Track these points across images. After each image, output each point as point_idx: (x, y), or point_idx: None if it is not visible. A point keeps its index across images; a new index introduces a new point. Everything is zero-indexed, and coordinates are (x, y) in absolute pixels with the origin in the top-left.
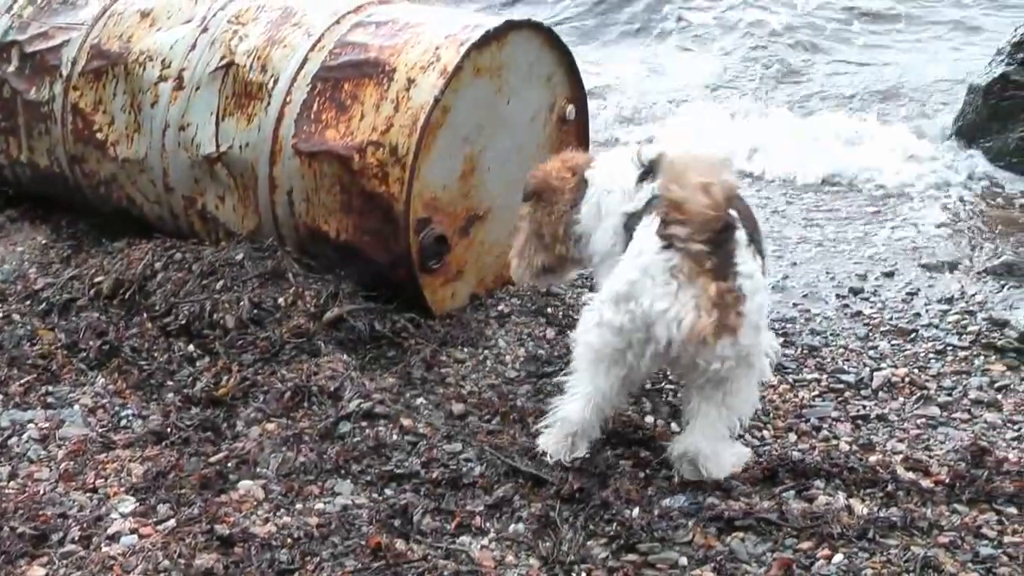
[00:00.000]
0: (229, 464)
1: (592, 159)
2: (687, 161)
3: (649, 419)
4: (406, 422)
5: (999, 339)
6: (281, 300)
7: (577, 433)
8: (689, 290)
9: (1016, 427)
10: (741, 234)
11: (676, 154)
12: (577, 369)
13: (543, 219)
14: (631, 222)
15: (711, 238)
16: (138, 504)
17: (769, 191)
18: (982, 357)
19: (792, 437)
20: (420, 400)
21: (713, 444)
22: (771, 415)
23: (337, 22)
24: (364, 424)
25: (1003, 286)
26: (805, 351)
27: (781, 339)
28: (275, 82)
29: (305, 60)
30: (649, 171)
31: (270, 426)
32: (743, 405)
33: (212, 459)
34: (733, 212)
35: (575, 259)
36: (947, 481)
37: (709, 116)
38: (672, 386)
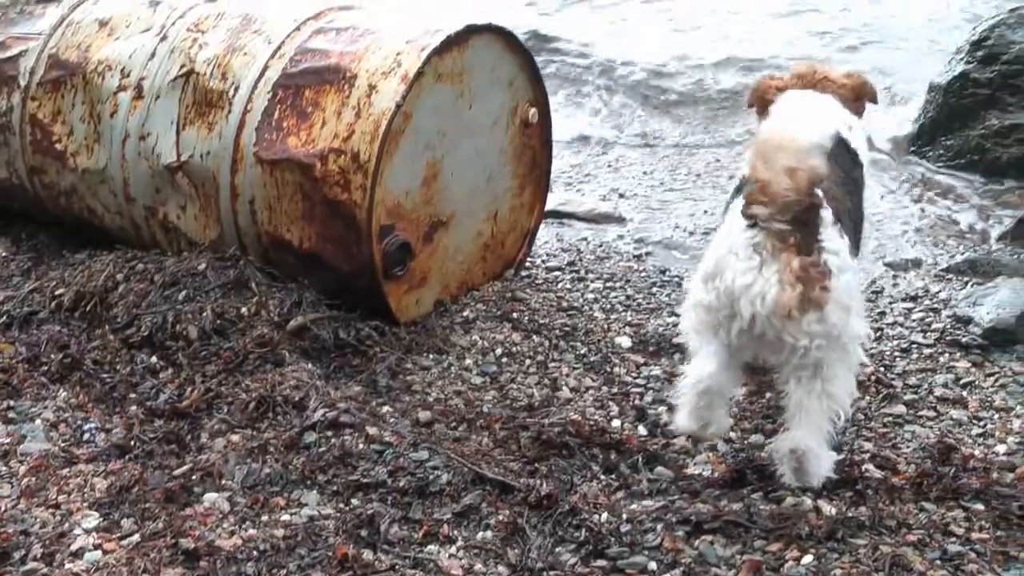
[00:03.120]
0: (194, 477)
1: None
2: (779, 143)
3: (616, 423)
4: (372, 431)
5: (963, 336)
6: (244, 310)
7: (711, 391)
8: (772, 265)
9: (982, 423)
10: (827, 213)
11: (770, 133)
12: (692, 348)
13: None
14: (730, 200)
15: (794, 217)
16: (102, 519)
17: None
18: (947, 354)
19: (759, 438)
20: (386, 408)
21: (819, 439)
22: (738, 416)
23: (297, 29)
24: (330, 434)
25: (966, 283)
26: None
27: None
28: (236, 90)
29: (266, 67)
30: None
31: (235, 437)
32: (842, 395)
33: (176, 472)
34: (819, 192)
35: None
36: (915, 479)
37: None
38: (639, 388)
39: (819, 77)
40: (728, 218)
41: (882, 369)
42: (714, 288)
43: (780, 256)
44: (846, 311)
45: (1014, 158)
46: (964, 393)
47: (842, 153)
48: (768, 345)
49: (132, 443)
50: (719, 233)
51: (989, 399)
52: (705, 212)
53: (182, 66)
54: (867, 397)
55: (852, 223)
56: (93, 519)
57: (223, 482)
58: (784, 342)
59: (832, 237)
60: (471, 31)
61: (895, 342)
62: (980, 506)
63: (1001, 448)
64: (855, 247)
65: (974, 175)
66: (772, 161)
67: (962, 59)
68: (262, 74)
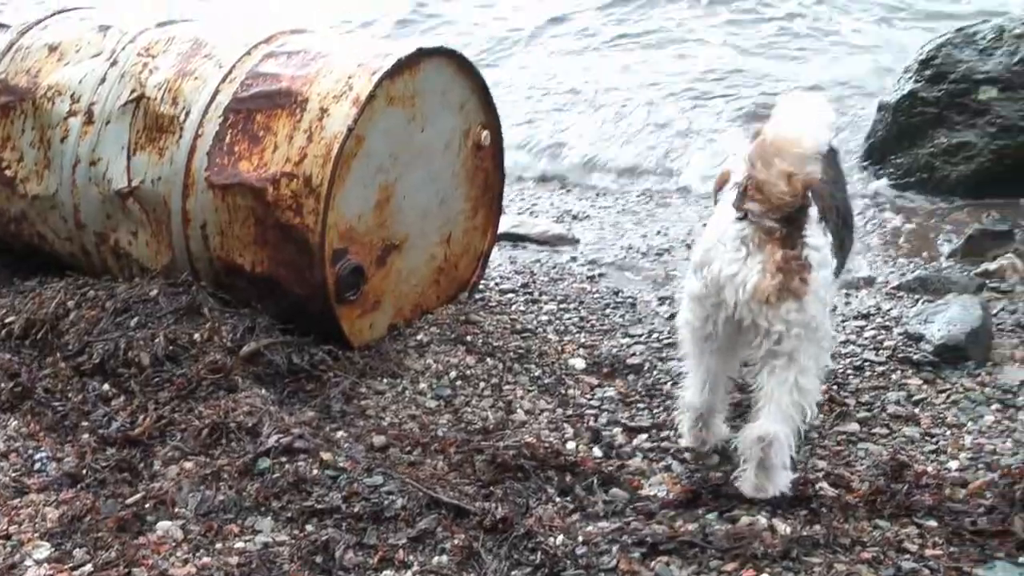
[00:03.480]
0: (147, 505)
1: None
2: (780, 146)
3: (571, 445)
4: (326, 456)
5: (915, 353)
6: (197, 336)
7: (703, 415)
8: (757, 256)
9: (934, 440)
10: (813, 210)
11: (772, 134)
12: (685, 353)
13: None
14: (717, 193)
15: (784, 216)
16: (53, 550)
17: (696, 208)
18: (899, 372)
19: (715, 458)
20: (340, 433)
21: (787, 430)
22: None
23: (248, 53)
24: (284, 459)
25: (917, 300)
26: None
27: None
28: (187, 115)
29: (216, 92)
30: None
31: (188, 465)
32: (812, 390)
33: (129, 501)
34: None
35: None
36: (868, 496)
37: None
38: (593, 409)
39: None
40: (718, 209)
41: (835, 387)
42: (703, 277)
43: (765, 247)
44: (822, 304)
45: (962, 176)
46: (916, 410)
47: (831, 154)
48: (746, 333)
49: (84, 472)
50: (709, 224)
51: (941, 416)
52: (658, 233)
53: (132, 91)
54: (821, 416)
55: (840, 220)
56: (44, 549)
57: (176, 510)
58: (760, 327)
59: (815, 233)
60: (422, 54)
61: (848, 360)
62: (933, 522)
63: (953, 464)
64: (840, 244)
65: (924, 193)
66: (771, 165)
67: (911, 78)
68: (213, 98)
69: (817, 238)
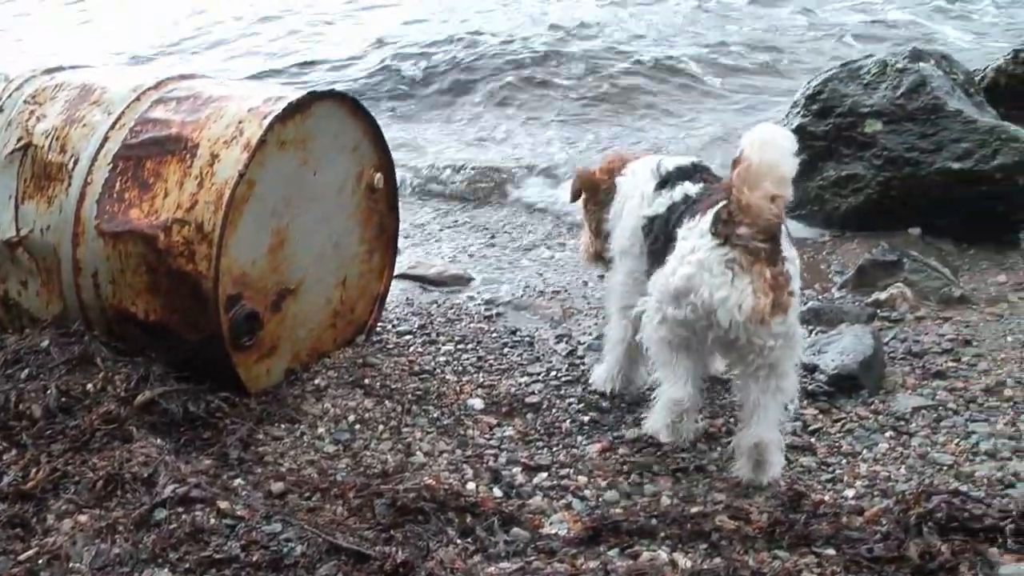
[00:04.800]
0: (40, 561)
1: (629, 163)
2: (764, 171)
3: (471, 485)
4: (224, 505)
5: (810, 384)
6: (90, 386)
7: (687, 409)
8: (745, 277)
9: (830, 469)
10: (784, 226)
11: (757, 160)
12: (661, 363)
13: (585, 216)
14: (650, 225)
15: (768, 237)
16: None
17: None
18: (795, 402)
19: (614, 494)
20: (238, 481)
21: (776, 433)
22: (593, 473)
23: (137, 99)
24: (180, 509)
25: (811, 331)
26: (623, 409)
27: (598, 395)
28: (75, 162)
29: (105, 139)
30: (667, 181)
31: (82, 518)
32: (791, 389)
33: (22, 557)
34: None
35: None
36: (767, 527)
37: None
38: (493, 449)
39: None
40: (685, 238)
41: (732, 420)
42: (689, 304)
43: (752, 268)
44: (796, 311)
45: (851, 207)
46: (812, 440)
47: None
48: (739, 349)
49: None
50: (677, 253)
51: (837, 445)
52: (554, 271)
53: (20, 139)
54: (719, 449)
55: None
56: None
57: (71, 565)
58: (754, 344)
59: (788, 247)
60: (313, 98)
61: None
62: (831, 551)
63: (850, 492)
64: None
65: (814, 225)
66: (757, 188)
67: (799, 112)
68: (102, 145)
69: (790, 251)
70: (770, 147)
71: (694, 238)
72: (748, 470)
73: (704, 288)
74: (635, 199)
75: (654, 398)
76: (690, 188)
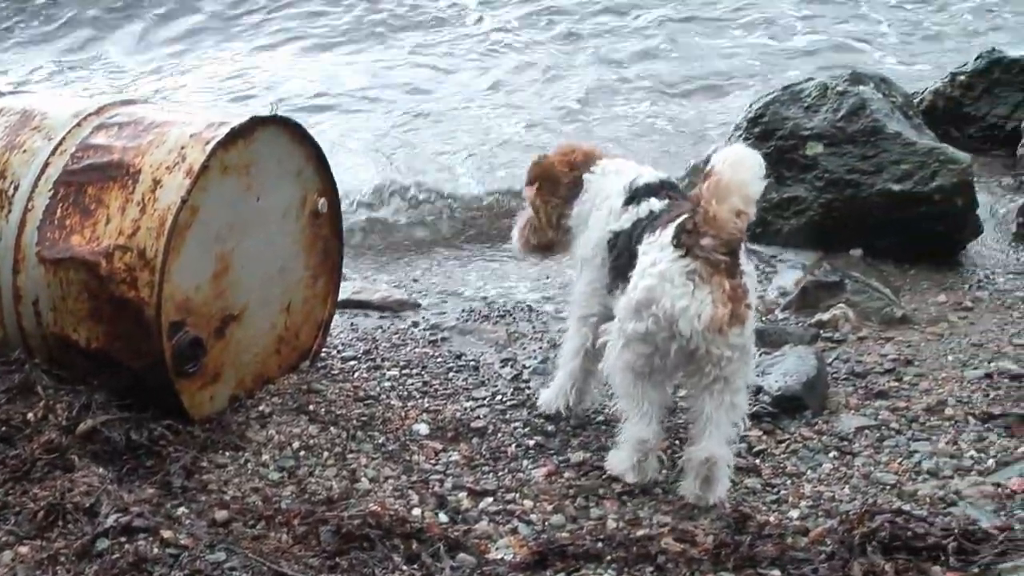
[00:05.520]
0: None
1: (596, 157)
2: (734, 187)
3: (416, 511)
4: (167, 534)
5: (754, 405)
6: (31, 415)
7: (652, 448)
8: (705, 288)
9: (775, 490)
10: (744, 243)
11: (727, 177)
12: (624, 394)
13: (540, 205)
14: (615, 240)
15: (730, 250)
16: None
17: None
18: (745, 421)
19: (560, 518)
20: (181, 510)
21: (727, 449)
22: (539, 497)
23: (79, 125)
24: (123, 539)
25: (755, 353)
26: (569, 432)
27: (543, 419)
28: (15, 189)
29: (46, 165)
30: (634, 197)
31: (23, 549)
32: (742, 406)
33: None
34: None
35: (564, 245)
36: (713, 550)
37: None
38: (438, 475)
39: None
40: (646, 252)
41: (677, 442)
42: (651, 315)
43: (712, 279)
44: (753, 326)
45: (794, 229)
46: (757, 461)
47: None
48: (697, 360)
49: None
50: (639, 268)
51: (781, 466)
52: (500, 295)
53: None
54: (664, 471)
55: None
56: None
57: None
58: (712, 354)
59: (746, 262)
60: (257, 123)
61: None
62: (777, 572)
63: (794, 513)
64: None
65: (758, 247)
66: (725, 202)
67: (740, 135)
68: (43, 172)
69: (748, 265)
70: (742, 166)
71: (655, 252)
72: (696, 487)
73: (666, 298)
74: (603, 212)
75: (618, 433)
76: (655, 204)
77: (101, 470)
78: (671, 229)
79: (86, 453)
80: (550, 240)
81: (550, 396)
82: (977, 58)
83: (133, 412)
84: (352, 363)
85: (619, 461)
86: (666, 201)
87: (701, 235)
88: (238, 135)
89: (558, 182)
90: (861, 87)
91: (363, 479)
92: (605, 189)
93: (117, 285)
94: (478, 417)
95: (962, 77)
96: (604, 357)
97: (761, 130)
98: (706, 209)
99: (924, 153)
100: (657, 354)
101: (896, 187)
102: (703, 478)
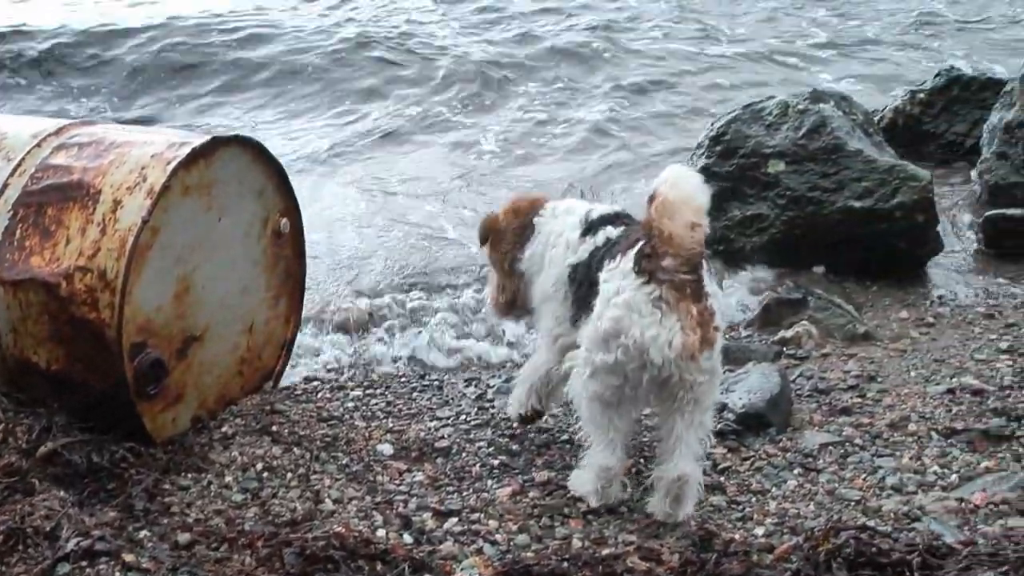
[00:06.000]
0: None
1: (543, 201)
2: (681, 202)
3: (381, 532)
4: (129, 558)
5: (718, 423)
6: None
7: (616, 475)
8: (673, 315)
9: (740, 507)
10: (706, 262)
11: (672, 192)
12: (591, 423)
13: (496, 258)
14: (575, 272)
15: (692, 269)
16: None
17: None
18: (711, 438)
19: (525, 538)
20: (144, 533)
21: (698, 469)
22: (503, 517)
23: (38, 145)
24: (84, 564)
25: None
26: (533, 451)
27: (508, 438)
28: None
29: (5, 185)
30: (590, 229)
31: None
32: (709, 424)
33: None
34: None
35: (524, 296)
36: (679, 568)
37: None
38: (403, 495)
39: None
40: (607, 280)
41: (642, 460)
42: (620, 346)
43: (679, 305)
44: (721, 347)
45: (756, 247)
46: (722, 479)
47: None
48: (671, 387)
49: None
50: (602, 297)
51: (746, 483)
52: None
53: None
54: (628, 489)
55: None
56: None
57: None
58: (685, 381)
59: (710, 283)
60: (218, 143)
61: (654, 432)
62: None
63: (760, 530)
64: None
65: (721, 265)
66: (675, 217)
67: (703, 154)
68: (1, 192)
69: (712, 286)
70: (682, 181)
71: (617, 279)
72: (666, 505)
73: (634, 328)
74: (560, 248)
75: (582, 457)
76: (611, 232)
77: (62, 493)
78: (631, 255)
79: (47, 476)
80: (513, 292)
81: (516, 399)
82: (936, 76)
83: (94, 434)
84: (315, 383)
85: (582, 483)
86: (622, 228)
87: (660, 257)
88: (199, 155)
89: (505, 231)
90: (822, 105)
91: (327, 500)
92: (558, 228)
93: (78, 306)
94: (442, 437)
95: (921, 95)
96: (569, 384)
97: (723, 148)
98: (660, 229)
99: (885, 170)
100: (627, 384)
101: (857, 204)
102: (674, 496)
